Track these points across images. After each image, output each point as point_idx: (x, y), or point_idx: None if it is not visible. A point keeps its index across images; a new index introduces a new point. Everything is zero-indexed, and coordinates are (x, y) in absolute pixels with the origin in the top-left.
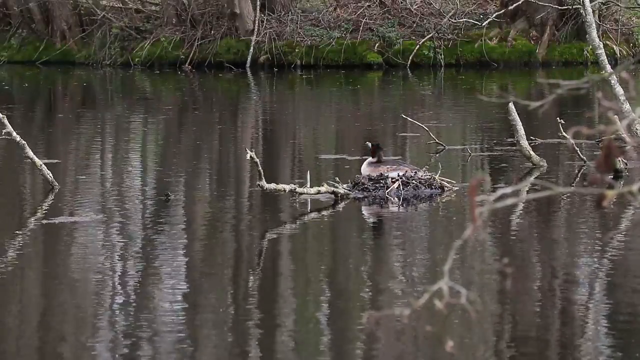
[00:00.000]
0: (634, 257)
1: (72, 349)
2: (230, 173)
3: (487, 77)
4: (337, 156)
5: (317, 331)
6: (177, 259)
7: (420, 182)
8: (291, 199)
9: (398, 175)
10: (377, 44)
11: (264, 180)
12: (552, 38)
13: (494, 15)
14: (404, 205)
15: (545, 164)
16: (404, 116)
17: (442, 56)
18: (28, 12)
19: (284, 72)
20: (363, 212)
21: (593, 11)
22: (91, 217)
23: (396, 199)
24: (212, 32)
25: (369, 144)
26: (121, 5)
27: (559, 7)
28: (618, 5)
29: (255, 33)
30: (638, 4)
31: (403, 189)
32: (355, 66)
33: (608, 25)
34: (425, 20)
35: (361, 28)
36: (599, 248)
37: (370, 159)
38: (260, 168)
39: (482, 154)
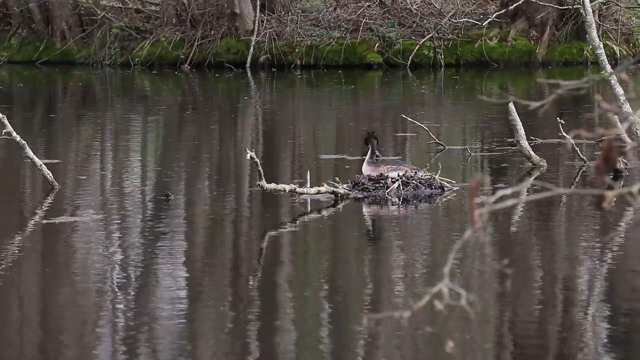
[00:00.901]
0: (634, 258)
1: (72, 348)
2: (230, 173)
3: (487, 77)
4: (337, 156)
5: (316, 332)
6: (177, 259)
7: (420, 182)
8: (291, 199)
9: (398, 175)
10: (377, 44)
11: (264, 180)
12: (552, 38)
13: (494, 15)
14: (404, 205)
15: (545, 164)
16: (403, 116)
17: (442, 56)
18: (28, 12)
19: (283, 72)
20: (363, 212)
21: (593, 11)
22: (91, 217)
23: (396, 199)
24: (212, 32)
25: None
26: (121, 5)
27: (559, 7)
28: (618, 5)
29: (255, 33)
30: (638, 4)
31: (403, 189)
32: (355, 66)
33: (608, 25)
34: (425, 20)
35: (361, 28)
36: (599, 248)
37: (367, 156)
38: (260, 168)
39: (482, 154)
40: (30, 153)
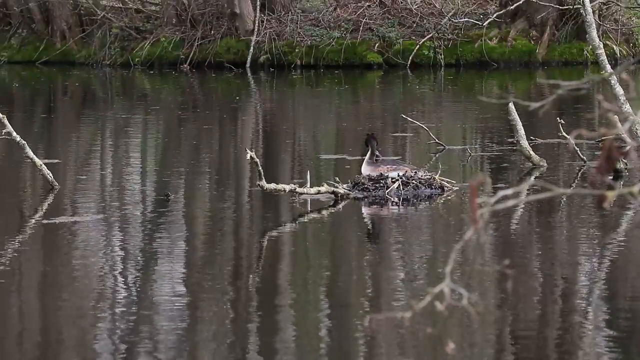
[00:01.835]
0: (634, 258)
1: (72, 348)
2: (230, 173)
3: (487, 77)
4: (337, 156)
5: (317, 332)
6: (177, 258)
7: (420, 182)
8: (291, 199)
9: (398, 175)
10: (377, 44)
11: (264, 180)
12: (552, 38)
13: (494, 15)
14: (404, 205)
15: (545, 164)
16: (404, 116)
17: (442, 56)
18: (28, 12)
19: (283, 72)
20: (363, 212)
21: (593, 11)
22: (91, 217)
23: (396, 199)
24: (212, 32)
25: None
26: (121, 5)
27: (559, 7)
28: (618, 5)
29: (255, 33)
30: (638, 4)
31: (403, 189)
32: (355, 66)
33: (608, 25)
34: (425, 20)
35: (361, 28)
36: (599, 249)
37: (367, 156)
38: (260, 168)
39: (482, 154)
40: (30, 153)
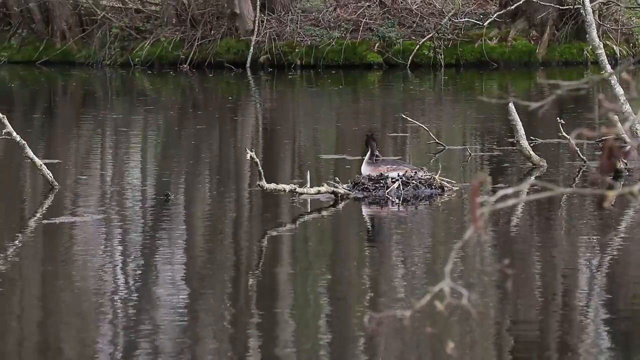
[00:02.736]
0: (635, 258)
1: (72, 349)
2: (230, 173)
3: (487, 77)
4: (337, 156)
5: (317, 331)
6: (177, 259)
7: (420, 182)
8: (291, 199)
9: (398, 175)
10: (377, 44)
11: (264, 180)
12: (552, 38)
13: (495, 15)
14: (404, 205)
15: (545, 164)
16: (404, 116)
17: (442, 56)
18: (28, 12)
19: (283, 72)
20: (363, 212)
21: (593, 11)
22: (91, 217)
23: (396, 199)
24: (212, 32)
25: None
26: (121, 5)
27: (559, 7)
28: (618, 5)
29: (255, 33)
30: (638, 4)
31: (403, 189)
32: (355, 66)
33: (608, 25)
34: (425, 20)
35: (361, 28)
36: (599, 248)
37: (367, 157)
38: (260, 168)
39: (482, 154)
40: (30, 153)
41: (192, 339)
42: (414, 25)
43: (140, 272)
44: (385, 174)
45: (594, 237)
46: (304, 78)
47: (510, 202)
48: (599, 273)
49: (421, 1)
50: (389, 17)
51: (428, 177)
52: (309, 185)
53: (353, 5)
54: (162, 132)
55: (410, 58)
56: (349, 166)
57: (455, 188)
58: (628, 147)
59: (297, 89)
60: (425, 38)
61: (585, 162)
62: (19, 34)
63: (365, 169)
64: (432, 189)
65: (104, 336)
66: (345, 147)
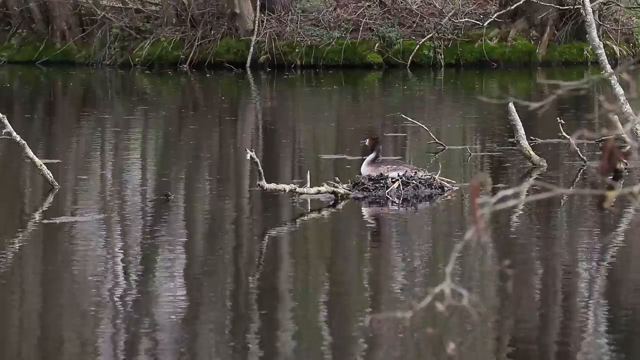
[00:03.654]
0: (635, 258)
1: (72, 349)
2: (230, 173)
3: (487, 77)
4: (337, 156)
5: (317, 332)
6: (177, 258)
7: (420, 182)
8: (291, 199)
9: (398, 175)
10: (377, 44)
11: (264, 180)
12: (552, 38)
13: (495, 15)
14: (404, 205)
15: (545, 164)
16: (403, 116)
17: (442, 56)
18: (28, 12)
19: (283, 72)
20: (363, 212)
21: (593, 11)
22: (91, 217)
23: (396, 199)
24: (212, 32)
25: (366, 141)
26: (121, 5)
27: (559, 7)
28: (618, 5)
29: (255, 33)
30: (638, 4)
31: (403, 189)
32: (355, 66)
33: (608, 25)
34: (425, 20)
35: (361, 28)
36: (600, 249)
37: (369, 158)
38: (260, 168)
39: (482, 154)
40: (30, 153)
41: (192, 338)
42: (414, 25)
43: (140, 272)
44: (385, 174)
45: (594, 238)
46: (304, 78)
47: (511, 202)
48: (599, 273)
49: (421, 1)
50: (389, 17)
51: (428, 177)
52: (309, 185)
53: (353, 5)
54: (162, 132)
55: (410, 58)
56: (349, 166)
57: (455, 188)
58: (628, 148)
59: (297, 89)
60: (425, 38)
61: (585, 162)
62: (19, 34)
63: (365, 169)
64: (432, 189)
65: (104, 336)
66: (345, 147)
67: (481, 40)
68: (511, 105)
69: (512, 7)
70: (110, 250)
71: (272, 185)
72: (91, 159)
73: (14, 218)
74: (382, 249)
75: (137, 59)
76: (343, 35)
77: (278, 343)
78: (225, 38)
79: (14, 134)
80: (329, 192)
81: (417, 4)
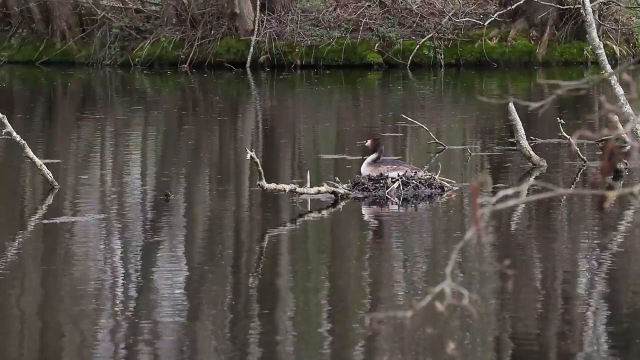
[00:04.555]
0: (635, 258)
1: (72, 349)
2: (230, 173)
3: (487, 77)
4: (337, 156)
5: (317, 332)
6: (177, 258)
7: (420, 182)
8: (291, 199)
9: (398, 175)
10: (377, 44)
11: (264, 180)
12: (552, 38)
13: (495, 15)
14: (404, 205)
15: (545, 164)
16: (403, 116)
17: (442, 56)
18: (28, 12)
19: (283, 72)
20: (363, 212)
21: (593, 11)
22: (91, 217)
23: (396, 199)
24: (212, 32)
25: (367, 142)
26: (121, 5)
27: (559, 7)
28: (618, 5)
29: (255, 33)
30: (638, 4)
31: (403, 189)
32: (355, 66)
33: (608, 25)
34: (425, 20)
35: (361, 28)
36: (600, 249)
37: (370, 158)
38: (260, 168)
39: (482, 154)
40: (30, 153)
41: (192, 338)
42: (414, 25)
43: (140, 272)
44: (385, 174)
45: (594, 238)
46: (304, 78)
47: (511, 202)
48: (599, 273)
49: (421, 1)
50: (389, 17)
51: (428, 177)
52: (309, 185)
53: (353, 5)
54: (162, 132)
55: (410, 58)
56: (349, 166)
57: (455, 188)
58: (628, 148)
59: (297, 88)
60: (425, 38)
61: (585, 162)
62: (19, 34)
63: (365, 169)
64: (432, 189)
65: (104, 336)
66: (345, 147)
67: (481, 40)
68: (511, 105)
69: (512, 7)
70: (110, 250)
71: (272, 185)
72: (91, 159)
73: (14, 218)
74: (382, 249)
75: (137, 59)
76: (343, 35)
77: (278, 343)
78: (225, 38)
79: (14, 133)
80: (329, 192)
81: (417, 4)
